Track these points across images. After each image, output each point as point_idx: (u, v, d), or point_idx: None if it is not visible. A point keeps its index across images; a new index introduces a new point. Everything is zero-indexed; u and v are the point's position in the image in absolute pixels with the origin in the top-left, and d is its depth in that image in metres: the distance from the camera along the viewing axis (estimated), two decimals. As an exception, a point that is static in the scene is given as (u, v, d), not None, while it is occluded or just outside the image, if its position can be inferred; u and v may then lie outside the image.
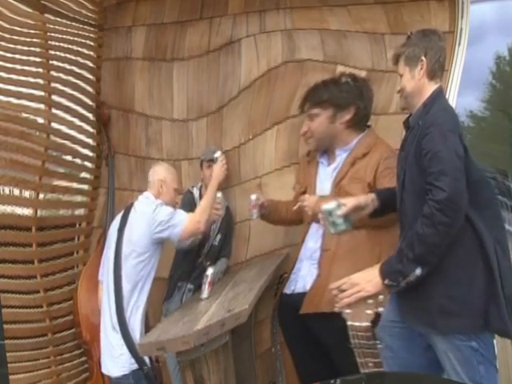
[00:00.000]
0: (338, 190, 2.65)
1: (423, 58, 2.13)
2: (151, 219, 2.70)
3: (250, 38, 3.39)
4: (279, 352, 3.06)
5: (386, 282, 1.94)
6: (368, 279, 1.97)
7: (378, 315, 1.91)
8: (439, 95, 2.15)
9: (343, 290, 1.96)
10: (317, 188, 2.81)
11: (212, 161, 3.17)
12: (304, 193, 2.83)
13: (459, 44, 2.87)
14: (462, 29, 2.86)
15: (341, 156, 2.76)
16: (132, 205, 2.85)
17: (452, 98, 2.86)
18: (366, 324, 1.85)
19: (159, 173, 2.90)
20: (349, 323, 1.87)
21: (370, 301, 1.89)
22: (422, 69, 2.13)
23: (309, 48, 3.28)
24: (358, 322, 1.85)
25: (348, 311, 1.89)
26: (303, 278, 2.71)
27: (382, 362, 1.92)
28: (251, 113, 3.39)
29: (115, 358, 2.57)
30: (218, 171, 2.96)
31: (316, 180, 2.84)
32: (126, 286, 2.66)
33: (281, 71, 3.34)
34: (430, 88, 2.14)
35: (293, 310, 2.64)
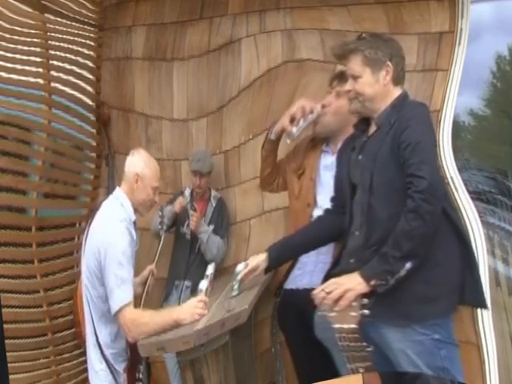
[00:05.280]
0: None
1: (389, 63, 2.12)
2: (100, 243, 2.30)
3: (249, 38, 3.39)
4: (279, 352, 3.06)
5: (373, 282, 1.94)
6: (354, 280, 1.97)
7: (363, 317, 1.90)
8: (406, 97, 2.18)
9: (329, 293, 1.96)
10: (318, 176, 2.72)
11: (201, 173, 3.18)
12: (301, 174, 2.78)
13: (459, 44, 2.87)
14: (461, 29, 2.86)
15: None
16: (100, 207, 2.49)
17: (452, 97, 2.86)
18: (352, 326, 1.84)
19: (136, 165, 2.47)
20: (334, 326, 1.87)
21: (355, 303, 1.88)
22: (387, 74, 2.12)
23: (309, 48, 3.27)
24: (343, 324, 1.85)
25: (332, 314, 1.89)
26: (310, 273, 2.65)
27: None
28: (251, 113, 3.39)
29: (96, 373, 2.43)
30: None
31: (319, 167, 2.74)
32: (94, 313, 2.38)
33: (281, 71, 3.34)
34: (396, 93, 2.15)
35: (294, 307, 2.60)
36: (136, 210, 2.49)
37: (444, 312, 2.03)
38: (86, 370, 3.14)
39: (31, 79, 3.08)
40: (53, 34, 3.23)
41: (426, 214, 1.90)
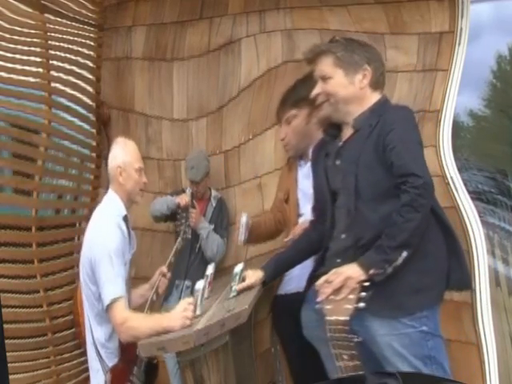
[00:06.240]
0: None
1: (367, 66, 2.10)
2: (90, 241, 2.35)
3: (249, 38, 3.39)
4: (279, 352, 3.06)
5: (372, 271, 1.95)
6: (353, 269, 1.97)
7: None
8: (387, 102, 2.17)
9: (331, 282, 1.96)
10: (298, 188, 2.80)
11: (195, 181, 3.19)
12: (287, 199, 2.85)
13: (459, 44, 2.87)
14: (461, 28, 2.86)
15: None
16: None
17: (452, 97, 2.86)
18: (344, 318, 1.85)
19: (116, 156, 2.50)
20: (327, 318, 1.88)
21: (351, 296, 1.89)
22: (364, 78, 2.10)
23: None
24: (336, 316, 1.86)
25: (328, 307, 1.90)
26: (297, 277, 2.67)
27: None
28: (251, 113, 3.39)
29: (94, 371, 2.44)
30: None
31: (297, 181, 2.84)
32: (90, 311, 2.39)
33: (281, 71, 3.34)
34: (374, 98, 2.13)
35: (287, 310, 2.62)
36: (130, 201, 2.51)
37: (433, 301, 2.06)
38: (86, 370, 3.14)
39: (31, 79, 3.08)
40: (53, 34, 3.23)
41: (420, 207, 1.95)
